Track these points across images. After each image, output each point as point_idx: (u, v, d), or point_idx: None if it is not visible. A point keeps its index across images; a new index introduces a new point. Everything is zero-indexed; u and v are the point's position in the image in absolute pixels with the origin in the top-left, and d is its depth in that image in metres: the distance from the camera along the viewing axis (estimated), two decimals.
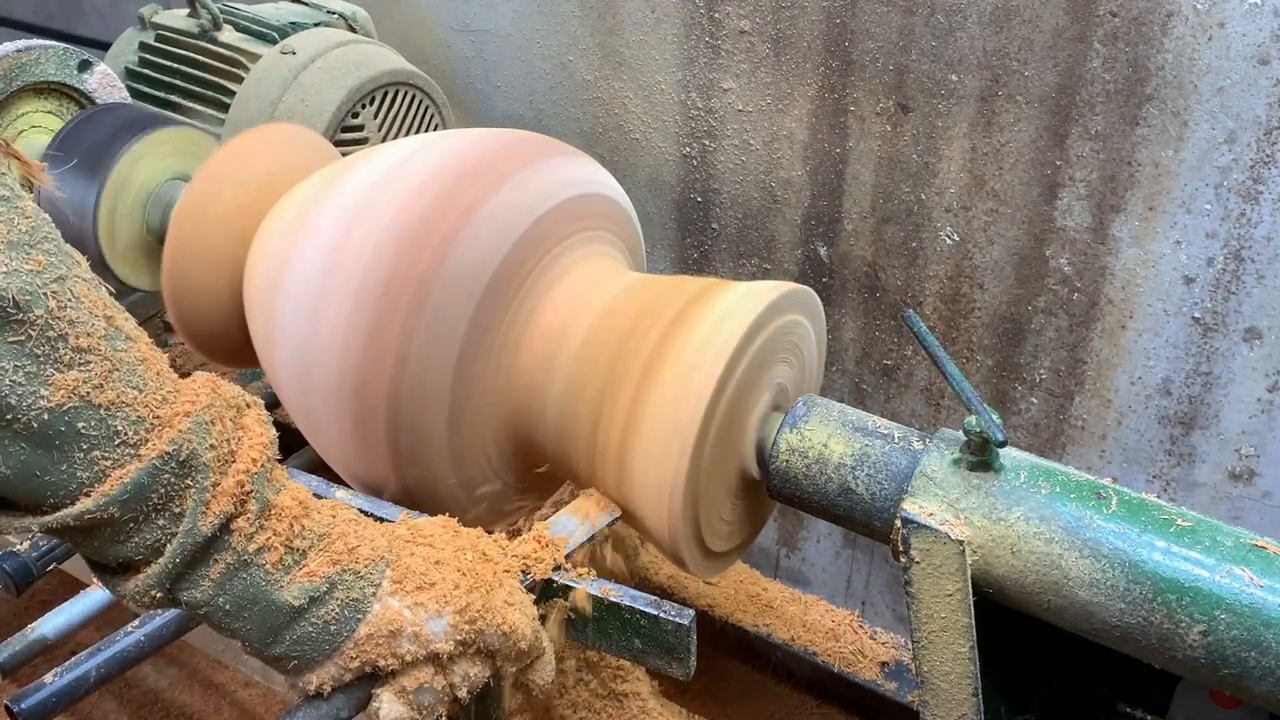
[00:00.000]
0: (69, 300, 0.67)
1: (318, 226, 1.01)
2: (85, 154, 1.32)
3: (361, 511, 0.94)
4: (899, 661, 1.67)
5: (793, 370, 1.05)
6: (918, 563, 0.90)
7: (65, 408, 0.66)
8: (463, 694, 0.84)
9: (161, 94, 1.60)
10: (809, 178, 1.51)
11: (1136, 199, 1.27)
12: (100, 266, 1.33)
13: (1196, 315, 1.28)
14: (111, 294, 0.73)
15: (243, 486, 0.74)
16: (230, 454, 0.74)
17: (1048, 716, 1.06)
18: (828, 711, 1.73)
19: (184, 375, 0.77)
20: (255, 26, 1.58)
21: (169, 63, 1.60)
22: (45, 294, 0.66)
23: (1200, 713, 0.98)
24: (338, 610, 0.79)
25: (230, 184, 1.15)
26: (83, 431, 0.67)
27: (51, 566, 1.12)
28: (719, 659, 1.76)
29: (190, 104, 1.58)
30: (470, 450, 1.02)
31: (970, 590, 0.89)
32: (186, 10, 1.61)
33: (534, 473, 1.09)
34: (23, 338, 0.64)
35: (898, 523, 0.91)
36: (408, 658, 0.81)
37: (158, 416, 0.71)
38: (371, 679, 0.82)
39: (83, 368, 0.67)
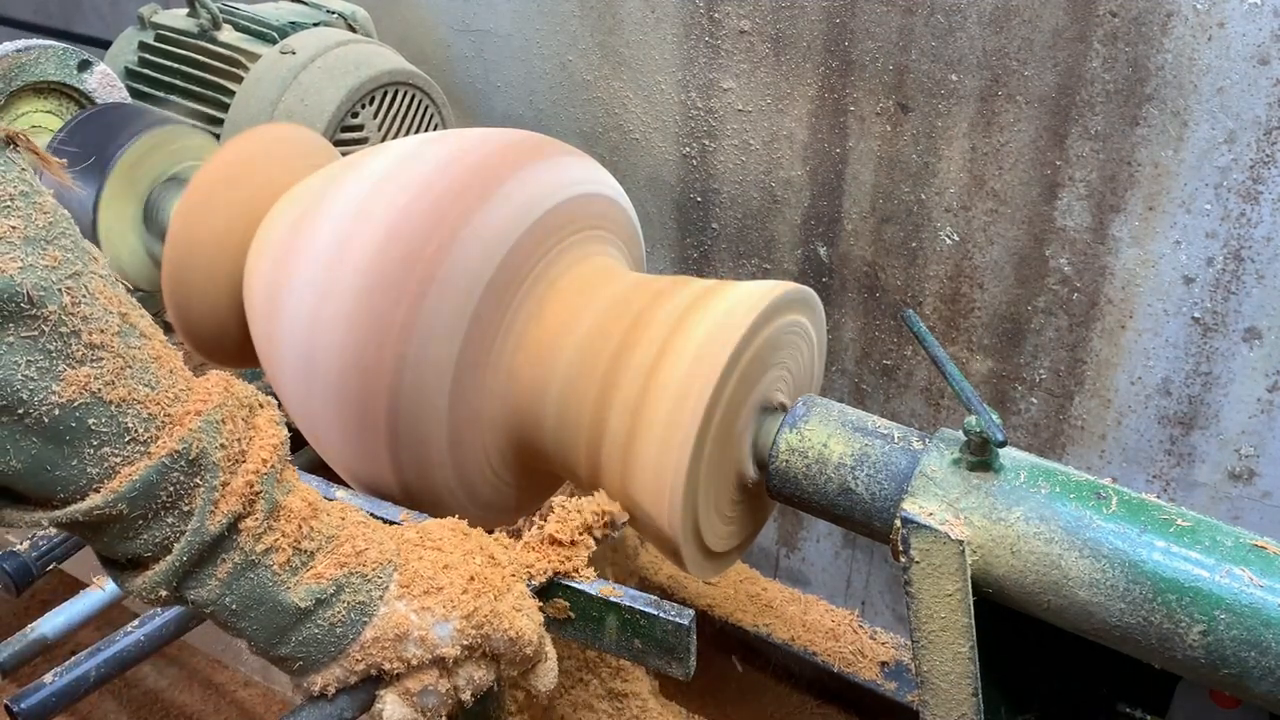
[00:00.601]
0: (83, 296, 0.67)
1: (318, 227, 1.01)
2: (85, 154, 1.32)
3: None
4: (899, 661, 1.67)
5: (793, 370, 1.05)
6: (917, 563, 0.90)
7: (76, 404, 0.67)
8: (466, 696, 0.85)
9: (161, 94, 1.60)
10: (809, 178, 1.51)
11: (1136, 199, 1.27)
12: None
13: (1196, 315, 1.28)
14: (128, 290, 0.73)
15: (252, 487, 0.74)
16: (241, 453, 0.74)
17: (1048, 716, 1.06)
18: (828, 711, 1.73)
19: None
20: (255, 26, 1.58)
21: (169, 62, 1.60)
22: (60, 289, 0.66)
23: (1200, 713, 0.98)
24: (344, 613, 0.79)
25: (230, 184, 1.15)
26: (93, 428, 0.68)
27: (51, 566, 1.12)
28: (719, 659, 1.76)
29: (190, 104, 1.58)
30: (470, 450, 1.02)
31: (970, 590, 0.89)
32: (186, 10, 1.61)
33: (534, 473, 1.09)
34: (36, 333, 0.65)
35: (897, 523, 0.91)
36: (413, 661, 0.81)
37: (169, 414, 0.71)
38: (376, 681, 0.82)
39: (95, 364, 0.68)
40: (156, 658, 1.83)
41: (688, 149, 1.60)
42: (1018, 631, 0.97)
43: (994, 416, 0.89)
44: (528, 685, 0.90)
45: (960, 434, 0.92)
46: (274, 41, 1.55)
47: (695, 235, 1.66)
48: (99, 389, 0.68)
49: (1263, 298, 1.24)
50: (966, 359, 1.48)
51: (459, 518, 0.93)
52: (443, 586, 0.82)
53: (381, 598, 0.80)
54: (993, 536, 0.88)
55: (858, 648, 1.69)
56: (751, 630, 1.72)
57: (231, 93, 1.54)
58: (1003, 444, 0.89)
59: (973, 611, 0.89)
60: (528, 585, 0.89)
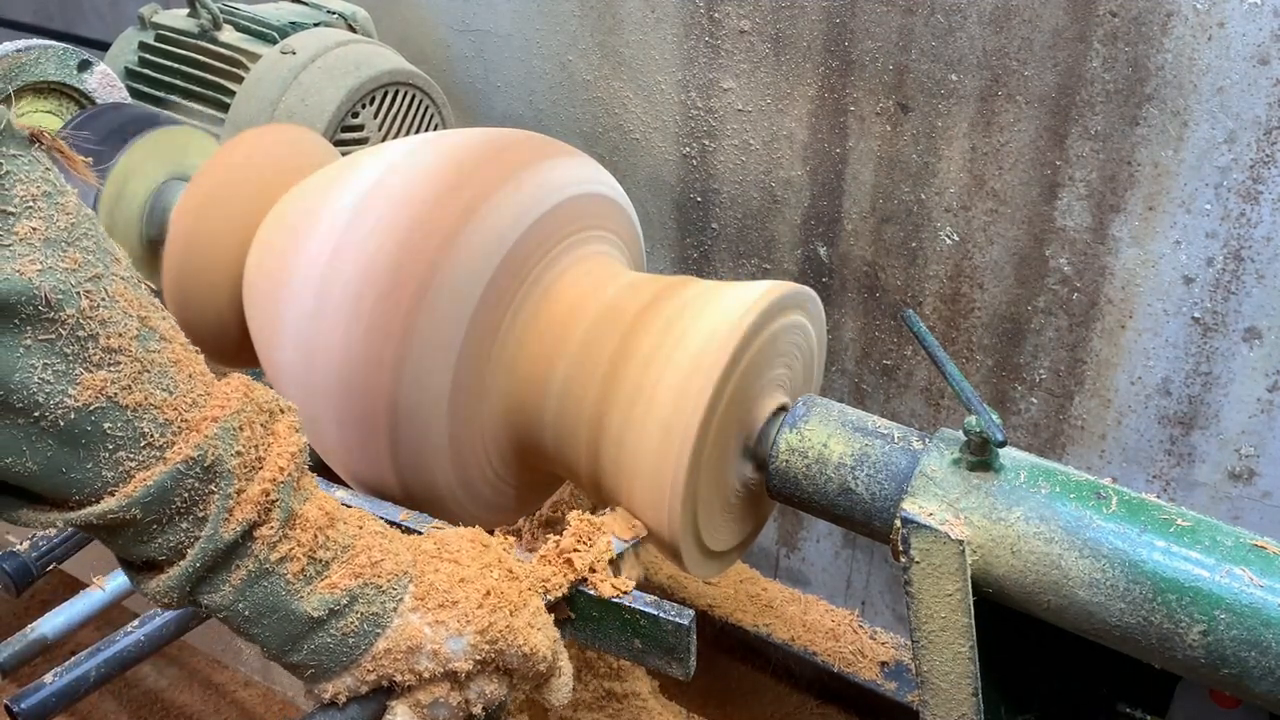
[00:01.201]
0: (102, 300, 0.67)
1: (318, 226, 1.01)
2: (85, 154, 1.32)
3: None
4: (899, 661, 1.67)
5: (793, 370, 1.05)
6: (917, 563, 0.90)
7: (92, 408, 0.66)
8: (478, 710, 0.84)
9: (161, 94, 1.60)
10: (809, 178, 1.51)
11: (1136, 199, 1.27)
12: None
13: (1196, 315, 1.28)
14: (153, 291, 0.73)
15: (267, 495, 0.73)
16: (258, 460, 0.74)
17: (1048, 716, 1.06)
18: (828, 711, 1.73)
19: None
20: (255, 26, 1.58)
21: (169, 63, 1.60)
22: (78, 293, 0.65)
23: (1200, 713, 0.98)
24: (357, 623, 0.78)
25: (230, 184, 1.15)
26: (109, 432, 0.67)
27: (51, 566, 1.12)
28: (719, 659, 1.76)
29: (190, 104, 1.58)
30: (470, 450, 1.02)
31: (970, 590, 0.88)
32: (186, 10, 1.61)
33: (534, 473, 1.10)
34: (53, 336, 0.64)
35: (897, 523, 0.91)
36: (425, 674, 0.80)
37: (185, 420, 0.71)
38: (387, 691, 0.82)
39: (112, 368, 0.67)
40: (156, 658, 1.83)
41: (688, 149, 1.60)
42: (1018, 631, 0.97)
43: (994, 416, 0.89)
44: (542, 699, 0.89)
45: (960, 434, 0.92)
46: (274, 42, 1.55)
47: (695, 235, 1.66)
48: (115, 393, 0.67)
49: (1263, 298, 1.24)
50: (966, 359, 1.48)
51: (459, 519, 0.93)
52: (458, 600, 0.82)
53: (395, 609, 0.80)
54: (993, 536, 0.88)
55: (858, 648, 1.69)
56: (751, 630, 1.72)
57: (232, 93, 1.54)
58: (1003, 444, 0.89)
59: (973, 611, 0.89)
60: (543, 599, 0.88)
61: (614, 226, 1.11)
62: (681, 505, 0.93)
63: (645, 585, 0.92)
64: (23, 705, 0.94)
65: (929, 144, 1.39)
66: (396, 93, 1.56)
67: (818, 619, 1.74)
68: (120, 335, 0.68)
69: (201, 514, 0.71)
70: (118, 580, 1.09)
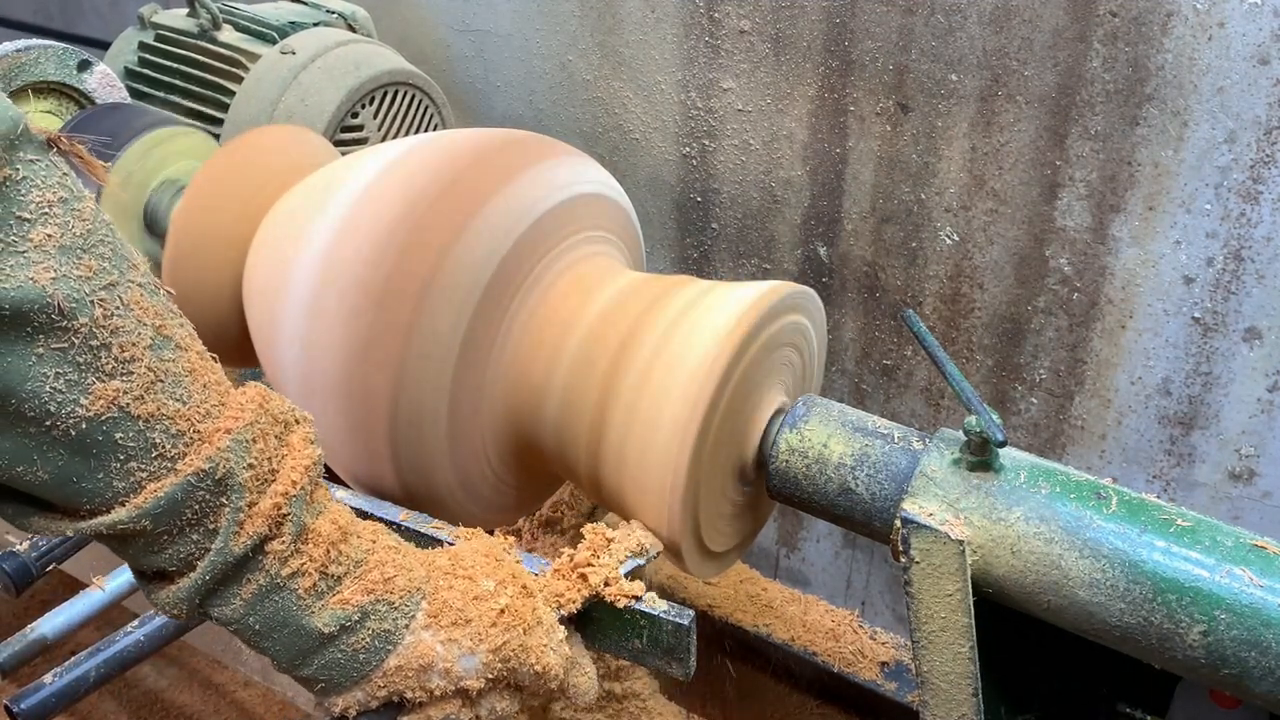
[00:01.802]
0: (116, 308, 0.66)
1: (317, 226, 1.01)
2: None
3: (360, 511, 0.94)
4: (899, 661, 1.67)
5: (793, 370, 1.05)
6: (918, 563, 0.90)
7: (104, 418, 0.66)
8: None
9: (161, 94, 1.60)
10: (809, 178, 1.51)
11: (1136, 199, 1.27)
12: None
13: (1196, 315, 1.28)
14: (170, 295, 0.72)
15: (279, 509, 0.73)
16: (270, 473, 0.73)
17: (1048, 716, 1.06)
18: (828, 712, 1.73)
19: None
20: (255, 26, 1.58)
21: (169, 63, 1.59)
22: (92, 301, 0.65)
23: (1200, 713, 0.98)
24: (368, 640, 0.77)
25: (230, 184, 1.15)
26: (120, 442, 0.67)
27: (51, 566, 1.11)
28: (719, 659, 1.76)
29: (190, 104, 1.58)
30: (470, 450, 1.02)
31: (970, 590, 0.88)
32: (186, 10, 1.61)
33: (534, 473, 1.09)
34: (66, 345, 0.64)
35: (897, 523, 0.91)
36: (436, 692, 0.80)
37: (198, 431, 0.70)
38: (398, 706, 0.81)
39: (125, 378, 0.66)
40: (156, 658, 1.83)
41: (688, 149, 1.60)
42: (1018, 631, 0.97)
43: (994, 416, 0.89)
44: (566, 699, 0.89)
45: (960, 434, 0.92)
46: (274, 41, 1.55)
47: (695, 235, 1.66)
48: (128, 403, 0.67)
49: (1263, 298, 1.24)
50: (966, 359, 1.48)
51: (459, 518, 0.92)
52: (471, 619, 0.81)
53: (408, 626, 0.79)
54: (993, 536, 0.88)
55: (858, 648, 1.69)
56: (751, 630, 1.72)
57: (231, 93, 1.54)
58: (1003, 444, 0.89)
59: (973, 611, 0.89)
60: (557, 615, 0.88)
61: (614, 226, 1.11)
62: (681, 505, 0.93)
63: (645, 585, 0.92)
64: (23, 705, 0.94)
65: (929, 144, 1.39)
66: (396, 93, 1.56)
67: (818, 619, 1.74)
68: (134, 344, 0.67)
69: (212, 526, 0.71)
70: (118, 580, 1.09)
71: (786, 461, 0.99)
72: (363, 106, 1.52)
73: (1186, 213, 1.25)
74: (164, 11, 1.65)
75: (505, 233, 0.97)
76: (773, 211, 1.56)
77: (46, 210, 0.63)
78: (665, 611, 0.88)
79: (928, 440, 0.96)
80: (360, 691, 0.79)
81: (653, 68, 1.57)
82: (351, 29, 1.65)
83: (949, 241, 1.43)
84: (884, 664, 1.68)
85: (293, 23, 1.58)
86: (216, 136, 1.51)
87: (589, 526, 0.94)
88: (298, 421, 0.77)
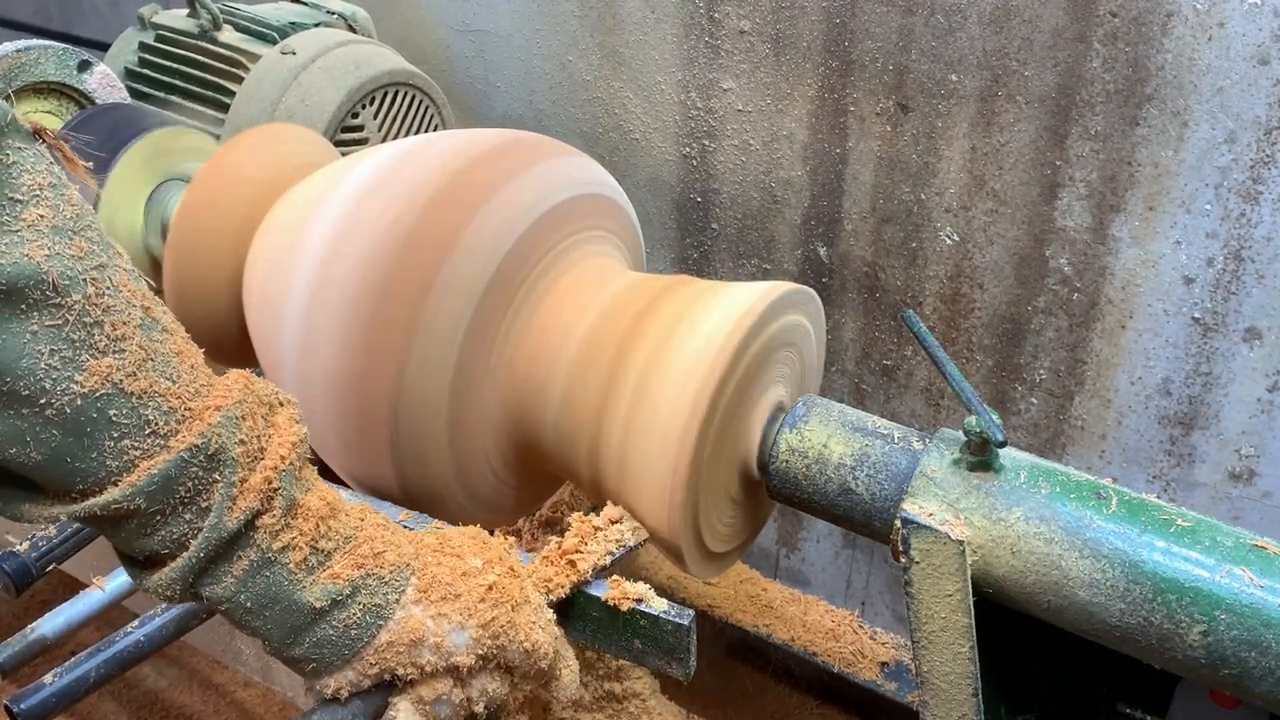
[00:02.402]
0: (108, 288, 0.68)
1: (317, 227, 1.01)
2: (84, 155, 1.32)
3: None
4: (899, 662, 1.67)
5: (793, 370, 1.05)
6: (918, 563, 0.90)
7: (98, 394, 0.67)
8: (480, 709, 0.84)
9: (161, 94, 1.60)
10: (809, 178, 1.51)
11: (1136, 199, 1.27)
12: None
13: (1196, 315, 1.28)
14: (152, 287, 0.73)
15: (270, 483, 0.73)
16: (260, 450, 0.74)
17: (1048, 716, 1.06)
18: (828, 712, 1.73)
19: None
20: (255, 26, 1.58)
21: (169, 63, 1.59)
22: (84, 279, 0.66)
23: (1200, 713, 0.98)
24: (359, 614, 0.78)
25: (230, 184, 1.15)
26: (114, 419, 0.68)
27: (51, 566, 1.11)
28: (719, 659, 1.76)
29: (190, 104, 1.58)
30: (470, 450, 1.02)
31: (970, 590, 0.88)
32: (186, 10, 1.61)
33: (534, 473, 1.09)
34: (60, 321, 0.65)
35: (898, 523, 0.91)
36: (427, 668, 0.80)
37: (189, 409, 0.71)
38: (389, 686, 0.82)
39: (117, 355, 0.68)
40: (156, 658, 1.83)
41: (688, 149, 1.60)
42: (1018, 632, 0.97)
43: (994, 417, 0.89)
44: (550, 694, 0.89)
45: (960, 434, 0.92)
46: (274, 42, 1.55)
47: (695, 235, 1.66)
48: (121, 380, 0.68)
49: (1263, 298, 1.24)
50: (966, 359, 1.48)
51: (459, 519, 0.92)
52: (460, 594, 0.81)
53: (398, 601, 0.80)
54: (993, 537, 0.88)
55: (858, 648, 1.69)
56: (751, 630, 1.72)
57: (232, 93, 1.54)
58: (1003, 444, 0.89)
59: (973, 612, 0.89)
60: (545, 600, 0.88)
61: (614, 227, 1.11)
62: (682, 506, 0.93)
63: (645, 586, 0.92)
64: (23, 705, 0.94)
65: (929, 144, 1.39)
66: (396, 93, 1.56)
67: (818, 619, 1.74)
68: (125, 323, 0.68)
69: (205, 504, 0.72)
70: (118, 580, 1.09)
71: (786, 462, 0.99)
72: (363, 107, 1.52)
73: (1186, 213, 1.25)
74: (164, 12, 1.65)
75: (505, 233, 0.97)
76: (773, 212, 1.56)
77: (38, 193, 0.65)
78: (665, 611, 0.88)
79: (928, 440, 0.96)
80: (351, 670, 0.79)
81: (653, 68, 1.57)
82: (352, 29, 1.65)
83: (949, 242, 1.43)
84: (884, 664, 1.68)
85: (293, 23, 1.58)
86: (217, 137, 1.51)
87: (575, 515, 0.95)
88: (282, 403, 0.78)
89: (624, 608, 0.88)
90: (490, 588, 0.83)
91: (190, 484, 0.71)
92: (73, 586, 1.15)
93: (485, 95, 1.78)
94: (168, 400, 0.70)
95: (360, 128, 1.53)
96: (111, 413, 0.67)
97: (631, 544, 0.95)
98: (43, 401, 0.65)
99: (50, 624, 1.07)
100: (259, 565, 0.74)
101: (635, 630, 0.89)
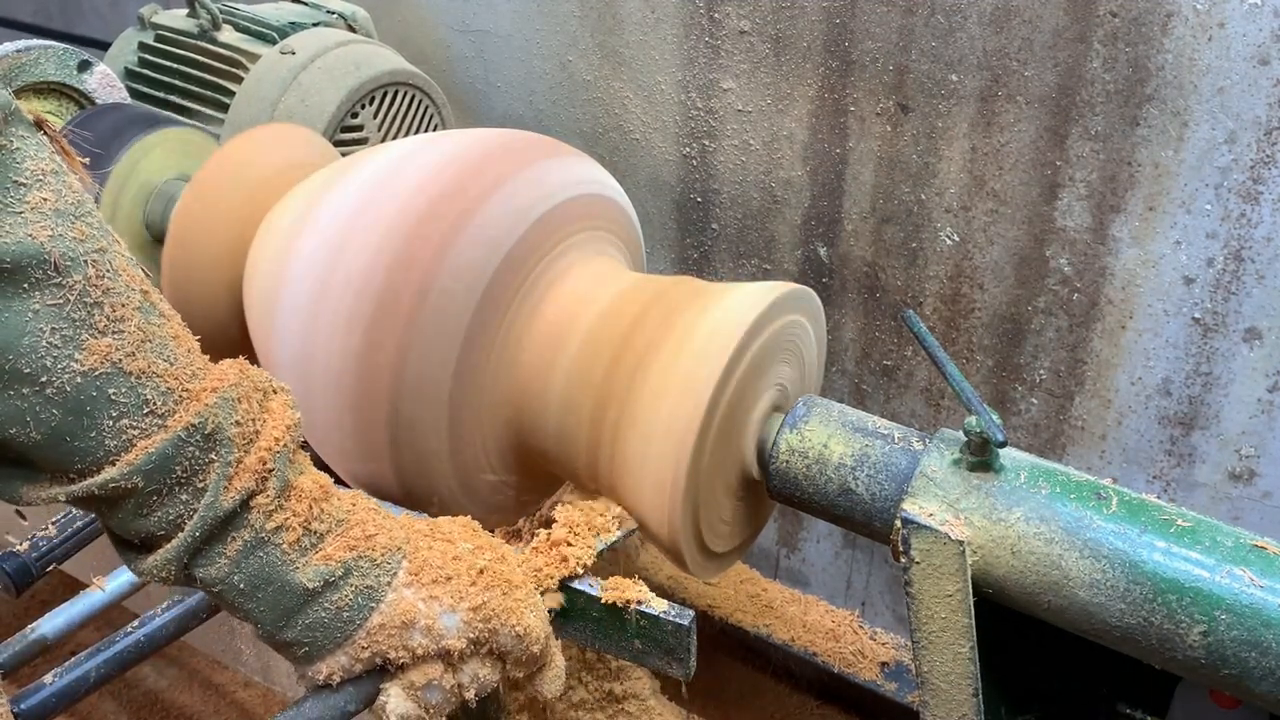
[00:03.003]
0: (108, 271, 0.69)
1: (317, 227, 1.01)
2: (84, 154, 1.32)
3: None
4: (899, 662, 1.67)
5: (793, 371, 1.05)
6: (918, 563, 0.90)
7: (97, 373, 0.68)
8: (470, 695, 0.84)
9: (161, 94, 1.60)
10: (809, 178, 1.51)
11: (1136, 199, 1.27)
12: None
13: (1196, 315, 1.28)
14: (147, 275, 0.74)
15: (264, 464, 0.74)
16: (254, 433, 0.75)
17: (1048, 716, 1.06)
18: (828, 712, 1.73)
19: None
20: (255, 26, 1.58)
21: (169, 63, 1.59)
22: (86, 261, 0.67)
23: (1200, 713, 0.98)
24: (351, 596, 0.79)
25: (230, 184, 1.15)
26: (113, 398, 0.69)
27: (51, 566, 1.11)
28: (719, 659, 1.76)
29: (190, 104, 1.58)
30: (470, 450, 1.02)
31: (970, 591, 0.88)
32: (186, 10, 1.61)
33: (534, 472, 1.09)
34: (61, 301, 0.66)
35: (898, 523, 0.91)
36: (419, 651, 0.81)
37: (187, 390, 0.72)
38: (380, 674, 0.82)
39: (116, 335, 0.69)
40: (156, 658, 1.83)
41: (688, 149, 1.60)
42: (1018, 632, 0.97)
43: (994, 417, 0.89)
44: (534, 690, 0.89)
45: (960, 434, 0.92)
46: (274, 42, 1.55)
47: (695, 235, 1.66)
48: (120, 359, 0.69)
49: (1263, 298, 1.24)
50: (966, 359, 1.48)
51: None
52: (451, 577, 0.82)
53: (389, 584, 0.80)
54: (993, 537, 0.88)
55: (858, 648, 1.69)
56: (751, 631, 1.72)
57: (231, 93, 1.54)
58: (1003, 444, 0.89)
59: (973, 612, 0.89)
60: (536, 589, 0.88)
61: (614, 227, 1.11)
62: (682, 506, 0.93)
63: (645, 586, 0.92)
64: (23, 705, 0.93)
65: (929, 144, 1.39)
66: (396, 93, 1.56)
67: (818, 619, 1.74)
68: (124, 305, 0.70)
69: (201, 484, 0.72)
70: (118, 580, 1.09)
71: (787, 462, 0.99)
72: (363, 107, 1.52)
73: (1187, 213, 1.25)
74: (164, 12, 1.65)
75: (506, 233, 0.97)
76: (773, 212, 1.56)
77: (41, 178, 0.66)
78: (665, 612, 0.88)
79: (928, 440, 0.96)
80: (344, 655, 0.80)
81: (653, 68, 1.57)
82: (351, 29, 1.65)
83: (949, 242, 1.43)
84: (884, 664, 1.68)
85: (293, 23, 1.58)
86: (216, 137, 1.51)
87: (559, 509, 0.95)
88: (276, 390, 0.79)
89: (621, 604, 0.88)
90: (481, 571, 0.84)
91: (187, 463, 0.72)
92: (73, 586, 1.15)
93: (485, 95, 1.78)
94: (165, 381, 0.71)
95: (360, 128, 1.53)
96: (110, 392, 0.69)
97: (620, 534, 0.95)
98: (43, 380, 0.66)
99: (50, 624, 1.06)
100: (253, 545, 0.75)
101: (635, 630, 0.89)
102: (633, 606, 0.89)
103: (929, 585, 0.90)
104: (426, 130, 1.62)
